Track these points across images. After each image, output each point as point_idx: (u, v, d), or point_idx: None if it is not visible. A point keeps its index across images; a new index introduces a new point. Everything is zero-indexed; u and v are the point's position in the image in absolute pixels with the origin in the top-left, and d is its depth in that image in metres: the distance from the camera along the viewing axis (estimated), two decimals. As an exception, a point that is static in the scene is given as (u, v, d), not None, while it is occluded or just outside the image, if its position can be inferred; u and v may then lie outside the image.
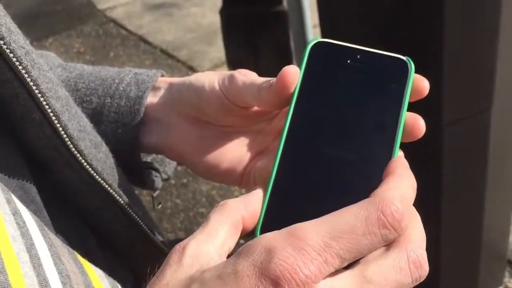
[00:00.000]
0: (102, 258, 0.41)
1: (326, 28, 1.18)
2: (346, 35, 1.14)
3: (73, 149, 0.37)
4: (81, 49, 3.06)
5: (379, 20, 1.02)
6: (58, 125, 0.36)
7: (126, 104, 0.45)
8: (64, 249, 0.34)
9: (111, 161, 0.43)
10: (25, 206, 0.33)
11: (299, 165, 0.32)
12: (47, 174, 0.39)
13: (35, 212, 0.35)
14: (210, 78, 0.41)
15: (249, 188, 0.41)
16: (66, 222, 0.39)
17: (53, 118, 0.36)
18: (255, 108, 0.41)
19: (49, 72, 0.38)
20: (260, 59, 1.74)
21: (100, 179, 0.39)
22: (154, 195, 0.50)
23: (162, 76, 0.47)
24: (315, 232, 0.27)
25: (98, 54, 2.99)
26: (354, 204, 0.28)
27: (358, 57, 0.34)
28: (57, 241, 0.33)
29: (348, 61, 0.34)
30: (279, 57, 1.73)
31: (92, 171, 0.39)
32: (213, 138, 0.43)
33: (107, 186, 0.40)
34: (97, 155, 0.40)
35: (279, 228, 0.28)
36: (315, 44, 0.35)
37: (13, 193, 0.33)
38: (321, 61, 0.35)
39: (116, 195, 0.41)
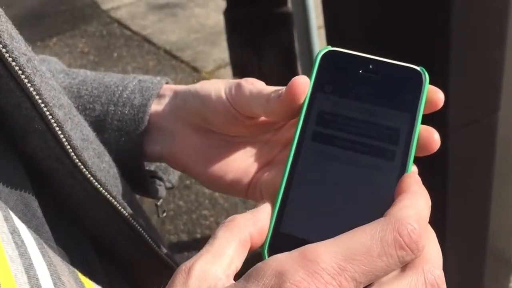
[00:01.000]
0: (103, 275, 0.40)
1: (331, 30, 1.17)
2: (351, 37, 1.14)
3: (76, 160, 0.36)
4: (85, 49, 3.06)
5: (384, 21, 1.01)
6: (61, 136, 0.35)
7: (130, 112, 0.44)
8: (64, 268, 0.33)
9: (114, 170, 0.42)
10: (24, 223, 0.32)
11: (308, 180, 0.31)
12: (49, 185, 0.38)
13: (36, 227, 0.34)
14: (216, 87, 0.40)
15: (255, 200, 0.40)
16: (67, 236, 0.38)
17: (56, 128, 0.35)
18: (262, 118, 0.40)
19: (52, 80, 0.37)
20: (264, 61, 1.73)
21: (103, 190, 0.38)
22: (158, 203, 0.49)
23: (167, 83, 0.46)
24: (328, 254, 0.25)
25: (102, 54, 2.99)
26: (368, 224, 0.27)
27: (371, 67, 0.33)
28: (57, 259, 0.32)
29: (360, 71, 0.33)
30: (283, 59, 1.72)
31: (96, 183, 0.38)
32: (219, 148, 0.42)
33: (110, 197, 0.39)
34: (100, 165, 0.39)
35: (287, 247, 0.27)
36: (326, 53, 0.34)
37: (12, 209, 0.32)
38: (332, 71, 0.33)
39: (119, 206, 0.40)
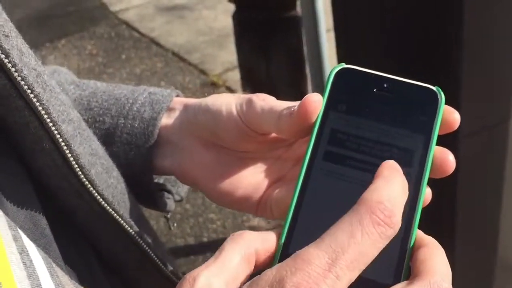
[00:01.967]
0: None
1: (340, 33, 1.16)
2: (360, 40, 1.13)
3: (84, 179, 0.36)
4: (94, 51, 3.07)
5: (395, 25, 1.01)
6: (69, 155, 0.35)
7: (140, 126, 0.43)
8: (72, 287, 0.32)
9: (122, 186, 0.42)
10: (33, 241, 0.32)
11: (319, 201, 0.31)
12: (56, 203, 0.38)
13: (44, 246, 0.34)
14: (227, 102, 0.40)
15: (265, 217, 0.40)
16: (75, 254, 0.38)
17: (64, 147, 0.35)
18: (274, 134, 0.39)
19: (61, 94, 0.37)
20: (272, 64, 1.72)
21: (110, 209, 0.38)
22: (168, 216, 0.49)
23: (177, 96, 0.46)
24: (319, 250, 0.26)
25: (110, 56, 3.00)
26: (346, 214, 0.27)
27: (385, 85, 0.32)
28: (65, 279, 0.32)
29: (374, 90, 0.32)
30: (292, 63, 1.71)
31: (103, 202, 0.38)
32: (229, 163, 0.41)
33: (117, 216, 0.39)
34: (108, 180, 0.39)
35: None
36: (340, 70, 0.33)
37: (21, 227, 0.32)
38: (346, 89, 0.33)
39: (126, 225, 0.39)
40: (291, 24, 1.67)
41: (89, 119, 0.45)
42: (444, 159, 0.31)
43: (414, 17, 0.96)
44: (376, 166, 0.30)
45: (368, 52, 1.13)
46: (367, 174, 0.31)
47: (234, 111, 0.39)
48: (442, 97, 0.32)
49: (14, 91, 0.32)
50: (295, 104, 0.35)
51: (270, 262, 0.30)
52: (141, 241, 0.41)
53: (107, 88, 0.47)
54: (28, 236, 0.32)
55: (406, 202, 0.29)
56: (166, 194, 0.48)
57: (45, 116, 0.33)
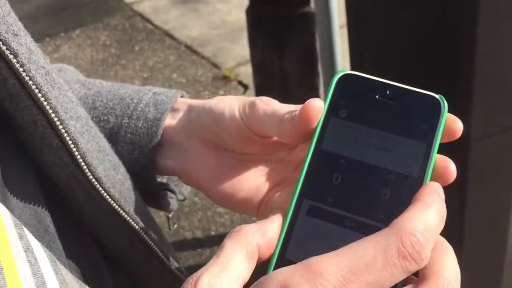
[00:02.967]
0: None
1: (353, 29, 1.16)
2: (374, 37, 1.12)
3: (91, 176, 0.36)
4: (107, 42, 3.08)
5: (408, 22, 1.00)
6: (76, 153, 0.35)
7: (144, 126, 0.44)
8: (76, 286, 0.33)
9: (128, 183, 0.42)
10: (38, 239, 0.32)
11: (318, 204, 0.30)
12: (62, 199, 0.38)
13: (48, 243, 0.35)
14: (231, 104, 0.40)
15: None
16: (79, 251, 0.38)
17: (72, 145, 0.35)
18: (276, 137, 0.39)
19: (69, 91, 0.37)
20: (285, 60, 1.72)
21: (117, 206, 0.38)
22: (170, 215, 0.49)
23: (182, 96, 0.46)
24: (332, 266, 0.25)
25: (123, 47, 3.01)
26: (372, 235, 0.27)
27: (387, 92, 0.32)
28: (69, 277, 0.32)
29: (377, 97, 0.32)
30: (304, 59, 1.71)
31: (109, 198, 0.38)
32: (231, 166, 0.41)
33: (123, 213, 0.39)
34: (115, 176, 0.39)
35: None
36: (342, 76, 0.33)
37: (26, 225, 0.32)
38: (348, 95, 0.33)
39: (132, 222, 0.40)
40: (304, 20, 1.66)
41: (94, 118, 0.45)
42: (445, 167, 0.31)
43: (428, 12, 0.95)
44: (376, 172, 0.30)
45: (381, 49, 1.12)
46: (369, 181, 0.30)
47: (237, 114, 0.39)
48: (445, 105, 0.32)
49: (22, 90, 0.33)
50: (297, 108, 0.35)
51: (270, 253, 0.29)
52: (147, 237, 0.41)
53: (112, 87, 0.47)
54: (32, 233, 0.32)
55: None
56: (169, 193, 0.48)
57: (53, 115, 0.34)
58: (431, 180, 0.31)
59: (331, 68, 1.62)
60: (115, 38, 3.11)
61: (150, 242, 0.41)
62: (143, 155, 0.44)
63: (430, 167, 0.31)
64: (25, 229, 0.30)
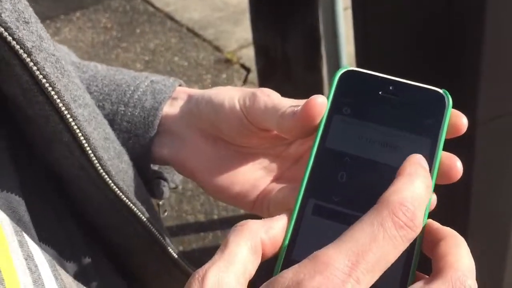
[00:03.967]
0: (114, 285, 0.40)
1: (357, 10, 1.14)
2: (379, 20, 1.11)
3: (101, 170, 0.36)
4: (108, 24, 3.05)
5: (415, 3, 0.98)
6: (88, 148, 0.35)
7: (140, 115, 0.43)
8: None
9: (131, 171, 0.42)
10: (36, 243, 0.32)
11: (323, 203, 0.30)
12: (66, 191, 0.38)
13: (47, 240, 0.34)
14: (230, 95, 0.39)
15: (261, 216, 0.39)
16: (80, 249, 0.38)
17: (83, 141, 0.35)
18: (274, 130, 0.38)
19: (77, 78, 0.37)
20: (288, 43, 1.70)
21: (124, 197, 0.38)
22: (160, 203, 0.49)
23: (180, 85, 0.45)
24: (339, 253, 0.25)
25: (124, 30, 2.99)
26: (365, 215, 0.27)
27: (391, 88, 0.32)
28: (69, 280, 0.32)
29: (380, 93, 0.32)
30: (308, 41, 1.69)
31: (118, 190, 0.38)
32: (228, 158, 0.41)
33: (130, 203, 0.39)
34: (119, 165, 0.39)
35: None
36: (345, 73, 0.33)
37: (26, 231, 0.32)
38: (351, 91, 0.32)
39: (138, 212, 0.40)
40: (308, 2, 1.64)
41: None
42: (451, 165, 0.31)
43: (438, 9, 0.93)
44: (381, 169, 0.30)
45: (386, 31, 1.10)
46: (374, 178, 0.30)
47: (237, 105, 0.38)
48: (449, 100, 0.31)
49: (35, 86, 0.33)
50: (299, 103, 0.34)
51: (276, 251, 0.29)
52: (151, 226, 0.41)
53: (108, 72, 0.47)
54: (32, 239, 0.32)
55: None
56: (162, 182, 0.48)
57: (66, 112, 0.34)
58: (437, 178, 0.30)
59: (335, 50, 1.61)
60: (116, 20, 3.08)
61: (154, 230, 0.41)
62: (139, 144, 0.43)
63: (436, 163, 0.30)
64: (25, 235, 0.30)
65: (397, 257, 0.26)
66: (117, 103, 0.44)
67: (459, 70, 0.93)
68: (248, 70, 2.58)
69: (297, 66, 1.72)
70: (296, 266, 0.26)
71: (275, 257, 0.29)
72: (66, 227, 0.38)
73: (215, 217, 1.90)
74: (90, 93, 0.45)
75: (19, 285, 0.27)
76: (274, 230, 0.29)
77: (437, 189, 0.31)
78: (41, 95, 0.33)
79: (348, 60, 1.62)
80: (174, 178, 0.49)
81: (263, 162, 0.40)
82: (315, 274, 0.25)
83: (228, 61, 2.67)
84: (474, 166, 0.98)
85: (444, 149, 0.31)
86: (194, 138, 0.42)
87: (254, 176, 0.40)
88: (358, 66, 1.20)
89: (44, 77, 0.32)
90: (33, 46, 0.32)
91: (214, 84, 2.51)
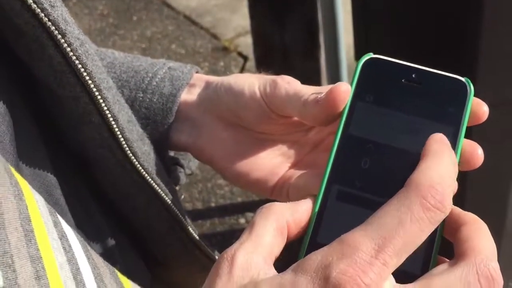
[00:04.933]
0: (139, 270, 0.41)
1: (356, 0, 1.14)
2: (377, 8, 1.10)
3: (128, 151, 0.37)
4: (105, 11, 3.03)
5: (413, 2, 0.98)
6: (116, 129, 0.36)
7: (159, 101, 0.43)
8: (106, 270, 0.33)
9: (153, 153, 0.42)
10: (71, 225, 0.32)
11: (347, 189, 0.30)
12: (90, 175, 0.39)
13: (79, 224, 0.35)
14: (250, 82, 0.39)
15: (281, 201, 0.40)
16: (104, 229, 0.39)
17: (113, 122, 0.35)
18: (295, 118, 0.39)
19: (99, 61, 0.37)
20: (286, 31, 1.70)
21: (150, 178, 0.39)
22: (177, 188, 0.50)
23: (197, 72, 0.45)
24: (366, 237, 0.26)
25: (121, 17, 2.97)
26: (392, 198, 0.27)
27: (414, 76, 0.32)
28: (99, 261, 0.33)
29: (403, 80, 0.32)
30: (306, 29, 1.69)
31: (144, 172, 0.38)
32: (246, 143, 0.41)
33: (155, 185, 0.39)
34: (142, 147, 0.39)
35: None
36: (367, 60, 0.33)
37: (62, 214, 0.33)
38: (374, 79, 0.33)
39: (163, 194, 0.40)
40: (306, -10, 1.63)
41: None
42: (472, 152, 0.31)
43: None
44: (404, 155, 0.30)
45: (384, 20, 1.10)
46: (396, 165, 0.30)
47: (257, 92, 0.38)
48: (471, 88, 0.32)
49: (67, 68, 0.33)
50: (320, 90, 0.35)
51: (301, 234, 0.30)
52: (174, 206, 0.41)
53: (125, 59, 0.47)
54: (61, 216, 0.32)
55: None
56: (178, 168, 0.48)
57: (96, 93, 0.34)
58: (459, 164, 0.30)
59: (333, 38, 1.61)
60: (113, 7, 3.06)
61: (176, 210, 0.42)
62: (157, 131, 0.43)
63: (458, 150, 0.31)
64: (58, 216, 0.30)
65: (424, 239, 0.26)
66: (136, 90, 0.44)
67: (459, 58, 0.93)
68: (245, 58, 2.57)
69: (295, 55, 1.71)
70: (323, 248, 0.26)
71: (299, 239, 0.30)
72: (91, 211, 0.39)
73: (213, 204, 1.91)
74: None
75: (55, 264, 0.28)
76: (298, 213, 0.30)
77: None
78: (72, 76, 0.33)
79: (346, 50, 1.61)
80: (189, 164, 0.49)
81: (281, 148, 0.41)
82: (342, 257, 0.25)
83: (225, 49, 2.66)
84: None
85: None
86: (212, 125, 0.42)
87: (272, 162, 0.40)
88: (356, 56, 1.20)
89: (77, 58, 0.33)
90: (66, 28, 0.32)
91: (211, 72, 2.50)
